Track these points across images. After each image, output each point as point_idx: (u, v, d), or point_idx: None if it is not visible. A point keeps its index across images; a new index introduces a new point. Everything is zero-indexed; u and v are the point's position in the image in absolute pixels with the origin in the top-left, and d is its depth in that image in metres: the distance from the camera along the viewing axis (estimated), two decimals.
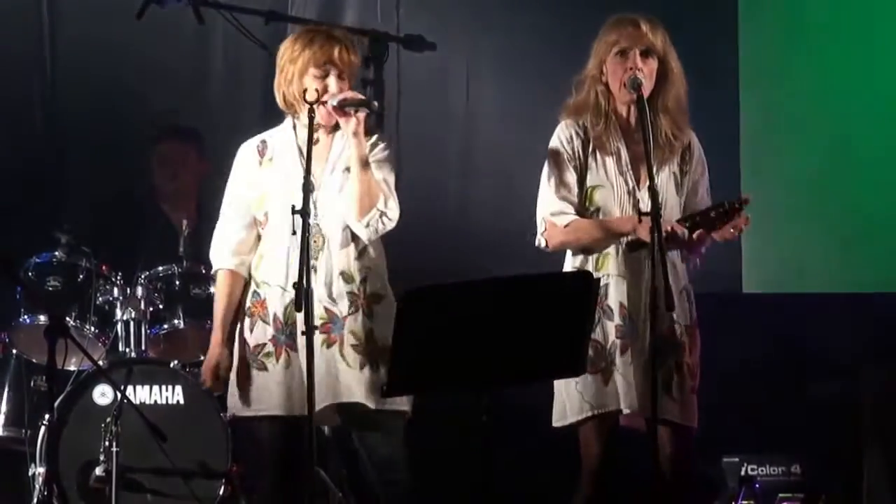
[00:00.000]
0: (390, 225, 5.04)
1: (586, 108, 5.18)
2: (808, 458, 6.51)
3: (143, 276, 6.23)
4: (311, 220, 4.96)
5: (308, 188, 4.86)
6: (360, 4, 7.14)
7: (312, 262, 4.99)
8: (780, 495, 6.41)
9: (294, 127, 5.15)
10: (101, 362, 6.01)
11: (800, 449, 6.55)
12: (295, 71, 5.07)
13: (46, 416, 5.88)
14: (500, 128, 7.14)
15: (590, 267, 5.12)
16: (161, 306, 6.23)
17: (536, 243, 5.18)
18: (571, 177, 5.14)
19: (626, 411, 5.07)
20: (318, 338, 4.94)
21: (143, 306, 6.19)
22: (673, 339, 5.11)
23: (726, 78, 7.24)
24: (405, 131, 7.00)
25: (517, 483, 6.57)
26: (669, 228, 4.96)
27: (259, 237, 5.13)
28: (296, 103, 5.09)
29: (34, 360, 6.16)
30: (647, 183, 5.01)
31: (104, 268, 6.22)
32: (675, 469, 5.07)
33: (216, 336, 5.14)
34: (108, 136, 6.85)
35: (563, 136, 5.18)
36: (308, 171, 4.88)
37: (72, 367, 6.01)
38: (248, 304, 5.13)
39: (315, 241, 5.03)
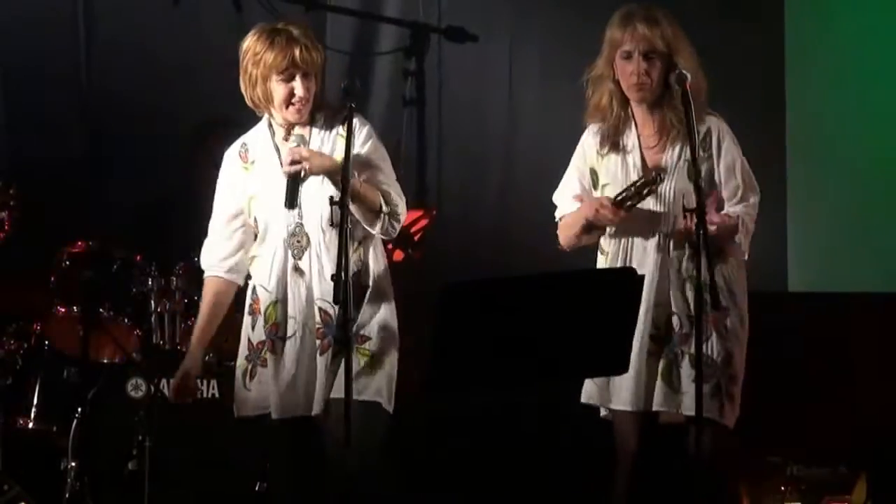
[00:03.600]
0: (404, 216, 5.03)
1: (601, 110, 5.19)
2: (855, 458, 6.45)
3: (178, 268, 6.19)
4: (295, 220, 4.97)
5: (347, 178, 4.77)
6: None
7: (297, 262, 5.01)
8: (827, 496, 6.36)
9: (270, 125, 5.09)
10: (134, 354, 6.00)
11: (846, 449, 6.50)
12: (258, 75, 5.00)
13: (79, 409, 5.89)
14: (542, 119, 7.10)
15: None
16: (196, 298, 6.17)
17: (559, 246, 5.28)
18: (578, 185, 5.21)
19: (654, 410, 5.07)
20: (308, 342, 4.97)
21: (177, 298, 6.15)
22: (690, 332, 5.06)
23: (773, 72, 7.16)
24: (447, 122, 6.96)
25: (553, 476, 6.52)
26: (594, 212, 5.03)
27: (254, 238, 5.11)
28: (262, 104, 5.03)
29: (67, 352, 6.12)
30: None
31: (139, 258, 6.19)
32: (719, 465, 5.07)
33: (193, 340, 5.18)
34: (142, 128, 6.81)
35: (585, 143, 5.24)
36: (347, 166, 4.79)
37: (105, 360, 5.98)
38: (248, 301, 5.13)
39: (299, 242, 5.01)
